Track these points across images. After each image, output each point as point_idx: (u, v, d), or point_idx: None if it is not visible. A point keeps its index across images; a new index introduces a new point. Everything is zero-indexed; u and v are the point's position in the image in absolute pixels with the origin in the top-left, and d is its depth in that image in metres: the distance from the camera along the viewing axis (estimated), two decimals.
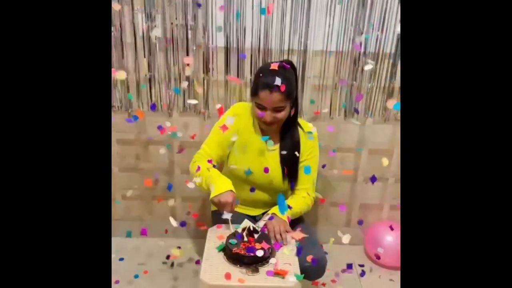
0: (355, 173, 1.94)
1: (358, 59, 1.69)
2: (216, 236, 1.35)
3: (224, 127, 1.42)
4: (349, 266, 1.58)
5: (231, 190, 1.34)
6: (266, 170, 1.45)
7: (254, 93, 1.37)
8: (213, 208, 1.62)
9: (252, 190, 1.47)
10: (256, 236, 1.30)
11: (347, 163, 1.91)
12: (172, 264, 1.85)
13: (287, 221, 1.41)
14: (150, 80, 1.74)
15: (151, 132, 1.83)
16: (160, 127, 1.59)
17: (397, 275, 1.83)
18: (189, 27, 1.64)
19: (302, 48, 1.68)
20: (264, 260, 1.22)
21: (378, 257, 1.73)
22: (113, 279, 1.70)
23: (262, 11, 1.57)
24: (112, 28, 1.63)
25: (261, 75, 1.36)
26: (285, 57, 1.69)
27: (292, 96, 1.39)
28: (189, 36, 1.66)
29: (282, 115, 1.38)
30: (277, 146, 1.50)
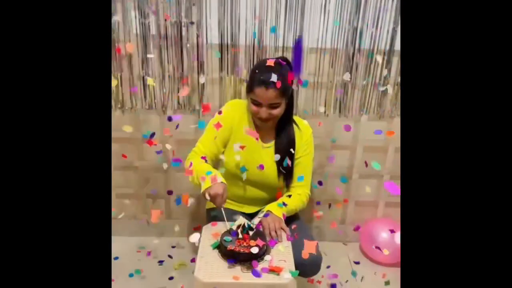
0: (350, 171, 1.94)
1: (352, 57, 1.69)
2: (210, 233, 1.35)
3: (218, 125, 1.42)
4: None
5: (222, 182, 1.32)
6: (261, 167, 1.44)
7: (250, 89, 1.37)
8: (208, 206, 1.62)
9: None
10: (251, 233, 1.30)
11: (342, 160, 1.91)
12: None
13: (282, 218, 1.41)
14: (143, 78, 1.73)
15: (146, 130, 1.83)
16: (150, 136, 1.52)
17: (392, 272, 1.83)
18: (183, 24, 1.63)
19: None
20: (259, 257, 1.22)
21: (379, 248, 1.70)
22: None
23: (272, 29, 1.60)
24: None
25: (257, 71, 1.36)
26: (280, 54, 1.68)
27: (287, 93, 1.39)
28: (183, 33, 1.65)
29: (277, 111, 1.38)
30: (272, 143, 1.50)
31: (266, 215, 1.39)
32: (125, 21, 1.63)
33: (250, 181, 1.50)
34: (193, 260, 1.85)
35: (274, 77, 1.30)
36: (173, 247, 1.97)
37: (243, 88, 1.71)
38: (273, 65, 1.34)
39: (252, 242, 1.24)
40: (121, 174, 1.92)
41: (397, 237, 1.67)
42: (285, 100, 1.40)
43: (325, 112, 1.81)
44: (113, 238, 1.85)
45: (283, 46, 1.68)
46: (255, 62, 1.69)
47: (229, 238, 1.26)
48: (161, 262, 1.85)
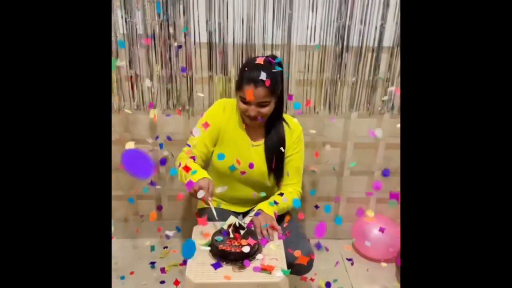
0: (341, 167, 1.94)
1: (341, 54, 1.69)
2: (201, 233, 1.34)
3: (206, 125, 1.41)
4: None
5: (206, 178, 1.32)
6: (251, 165, 1.44)
7: (239, 87, 1.36)
8: (199, 206, 1.61)
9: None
10: (242, 232, 1.29)
11: (332, 157, 1.91)
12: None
13: (273, 216, 1.40)
14: (131, 78, 1.71)
15: (135, 131, 1.81)
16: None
17: (384, 268, 1.83)
18: (170, 23, 1.62)
19: (285, 43, 1.67)
20: (250, 256, 1.21)
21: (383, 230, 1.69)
22: None
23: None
24: None
25: (246, 69, 1.35)
26: (269, 52, 1.68)
27: (277, 91, 1.38)
28: (170, 32, 1.63)
29: (266, 110, 1.37)
30: (262, 141, 1.49)
31: (257, 214, 1.39)
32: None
33: (240, 180, 1.50)
34: (185, 261, 1.84)
35: (263, 75, 1.30)
36: (165, 247, 1.95)
37: (233, 87, 1.70)
38: (262, 63, 1.34)
39: (243, 241, 1.24)
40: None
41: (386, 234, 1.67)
42: (274, 99, 1.39)
43: (315, 109, 1.80)
44: None
45: (272, 44, 1.67)
46: (243, 61, 1.68)
47: (220, 237, 1.26)
48: (152, 263, 1.83)
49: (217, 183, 1.55)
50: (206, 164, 1.57)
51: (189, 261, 1.21)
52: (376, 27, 1.65)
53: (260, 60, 1.34)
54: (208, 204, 1.31)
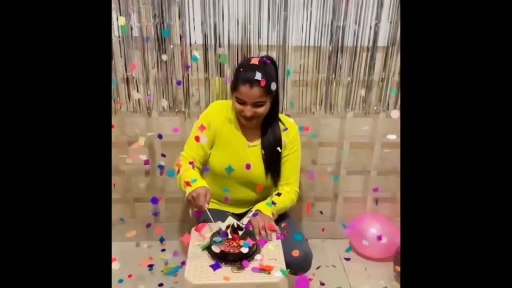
0: (338, 167, 1.95)
1: (336, 54, 1.70)
2: (200, 235, 1.34)
3: (202, 127, 1.42)
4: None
5: (204, 186, 1.34)
6: (248, 166, 1.44)
7: (234, 87, 1.36)
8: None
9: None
10: (240, 233, 1.29)
11: (328, 157, 1.92)
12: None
13: (271, 217, 1.40)
14: (127, 80, 1.71)
15: (131, 133, 1.80)
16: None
17: (382, 267, 1.84)
18: (165, 25, 1.62)
19: (281, 44, 1.68)
20: (249, 256, 1.21)
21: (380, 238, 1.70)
22: None
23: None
24: None
25: (241, 69, 1.35)
26: (264, 53, 1.68)
27: (272, 91, 1.38)
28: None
29: (262, 110, 1.38)
30: (259, 142, 1.50)
31: (255, 215, 1.39)
32: None
33: (237, 181, 1.50)
34: (183, 263, 1.84)
35: (258, 75, 1.30)
36: (162, 250, 1.95)
37: (229, 88, 1.71)
38: (257, 63, 1.34)
39: (242, 242, 1.24)
40: None
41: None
42: (270, 99, 1.40)
43: (311, 109, 1.81)
44: None
45: (267, 45, 1.68)
46: (239, 62, 1.68)
47: (218, 238, 1.26)
48: (150, 266, 1.83)
49: (214, 184, 1.56)
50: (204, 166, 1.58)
51: (188, 263, 1.21)
52: (370, 27, 1.66)
53: (255, 61, 1.35)
54: (206, 212, 1.32)
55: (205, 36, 1.65)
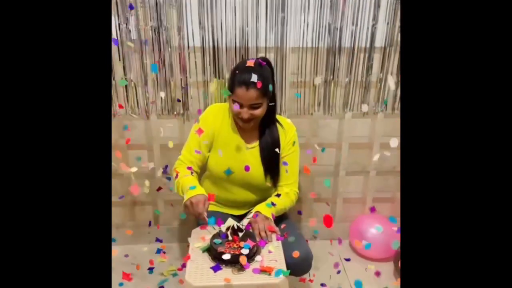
0: (337, 168, 1.95)
1: (334, 55, 1.71)
2: (200, 237, 1.34)
3: (200, 131, 1.42)
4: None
5: (203, 194, 1.34)
6: (247, 168, 1.44)
7: (231, 90, 1.37)
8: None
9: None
10: (240, 234, 1.29)
11: (327, 158, 1.92)
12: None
13: (271, 218, 1.41)
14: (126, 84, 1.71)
15: (131, 136, 1.80)
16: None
17: (382, 267, 1.84)
18: (163, 28, 1.62)
19: (278, 45, 1.68)
20: (249, 257, 1.21)
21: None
22: None
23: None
24: None
25: (237, 72, 1.36)
26: (262, 55, 1.68)
27: (268, 93, 1.39)
28: (164, 37, 1.64)
29: (259, 112, 1.38)
30: (257, 143, 1.50)
31: (255, 216, 1.39)
32: None
33: (237, 183, 1.50)
34: (183, 266, 1.84)
35: (254, 77, 1.31)
36: (163, 252, 1.94)
37: None
38: (253, 65, 1.35)
39: (242, 244, 1.24)
40: None
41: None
42: (267, 100, 1.40)
43: (309, 111, 1.82)
44: None
45: (265, 47, 1.68)
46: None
47: (218, 240, 1.26)
48: (150, 269, 1.82)
49: (214, 187, 1.56)
50: (202, 169, 1.58)
51: (188, 265, 1.21)
52: (367, 28, 1.67)
53: (250, 63, 1.35)
54: (205, 220, 1.33)
55: (202, 39, 1.65)
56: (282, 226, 1.43)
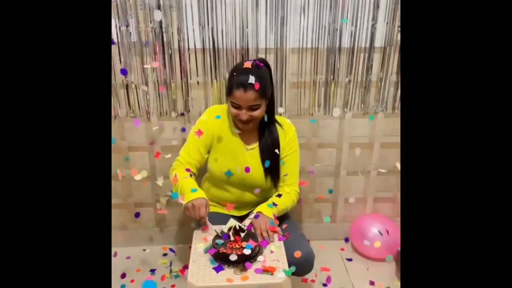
0: (338, 168, 1.95)
1: (334, 55, 1.71)
2: (202, 237, 1.34)
3: (199, 132, 1.42)
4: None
5: (205, 198, 1.34)
6: (247, 169, 1.44)
7: (229, 92, 1.37)
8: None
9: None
10: (242, 235, 1.29)
11: (328, 158, 1.93)
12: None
13: (273, 218, 1.41)
14: (127, 85, 1.71)
15: (131, 138, 1.81)
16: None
17: (384, 267, 1.84)
18: (163, 30, 1.63)
19: (278, 46, 1.69)
20: (252, 258, 1.22)
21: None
22: None
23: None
24: None
25: (234, 74, 1.36)
26: (262, 56, 1.69)
27: (267, 94, 1.39)
28: (164, 39, 1.64)
29: (258, 113, 1.38)
30: (256, 144, 1.50)
31: (256, 216, 1.39)
32: None
33: (237, 184, 1.50)
34: (186, 267, 1.84)
35: (252, 79, 1.31)
36: (164, 255, 1.95)
37: None
38: (250, 67, 1.35)
39: (244, 244, 1.24)
40: None
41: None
42: (265, 101, 1.40)
43: (309, 111, 1.82)
44: None
45: (265, 48, 1.69)
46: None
47: (220, 241, 1.26)
48: (153, 271, 1.83)
49: (214, 189, 1.56)
50: (203, 170, 1.58)
51: (190, 265, 1.22)
52: (367, 28, 1.68)
53: (248, 64, 1.36)
54: (206, 223, 1.34)
55: (203, 41, 1.65)
56: (284, 226, 1.43)
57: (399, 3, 1.62)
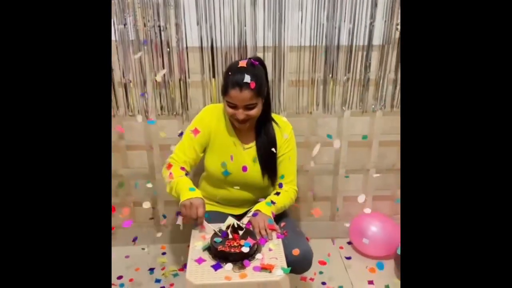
0: (336, 167, 1.95)
1: (332, 53, 1.71)
2: (200, 236, 1.34)
3: (196, 131, 1.42)
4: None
5: (202, 198, 1.33)
6: (244, 168, 1.44)
7: (225, 92, 1.37)
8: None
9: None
10: (241, 233, 1.29)
11: (326, 156, 1.93)
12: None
13: (271, 216, 1.41)
14: (125, 84, 1.71)
15: (130, 137, 1.81)
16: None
17: (383, 265, 1.84)
18: (162, 28, 1.62)
19: (276, 44, 1.69)
20: (250, 256, 1.21)
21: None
22: None
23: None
24: None
25: (230, 73, 1.36)
26: (260, 54, 1.69)
27: (263, 92, 1.39)
28: (163, 37, 1.64)
29: (254, 112, 1.38)
30: (253, 143, 1.50)
31: (254, 214, 1.39)
32: None
33: (234, 183, 1.50)
34: (185, 266, 1.83)
35: (247, 78, 1.31)
36: (163, 253, 1.95)
37: None
38: (245, 66, 1.35)
39: (242, 242, 1.24)
40: None
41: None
42: (261, 100, 1.40)
43: (308, 109, 1.82)
44: None
45: (263, 46, 1.68)
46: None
47: (219, 239, 1.26)
48: (151, 270, 1.82)
49: (212, 187, 1.56)
50: (200, 169, 1.58)
51: (189, 264, 1.21)
52: (365, 26, 1.68)
53: (243, 63, 1.35)
54: (202, 223, 1.34)
55: (201, 39, 1.65)
56: (282, 224, 1.43)
57: (397, 1, 1.62)
